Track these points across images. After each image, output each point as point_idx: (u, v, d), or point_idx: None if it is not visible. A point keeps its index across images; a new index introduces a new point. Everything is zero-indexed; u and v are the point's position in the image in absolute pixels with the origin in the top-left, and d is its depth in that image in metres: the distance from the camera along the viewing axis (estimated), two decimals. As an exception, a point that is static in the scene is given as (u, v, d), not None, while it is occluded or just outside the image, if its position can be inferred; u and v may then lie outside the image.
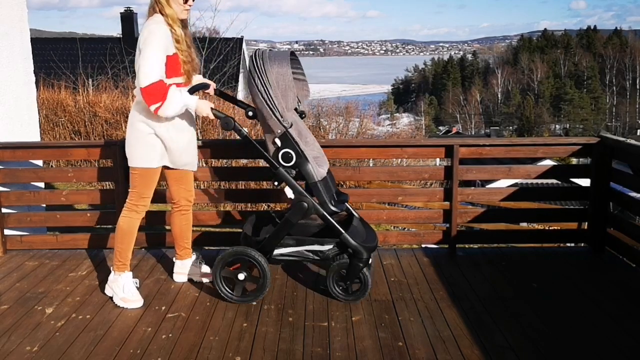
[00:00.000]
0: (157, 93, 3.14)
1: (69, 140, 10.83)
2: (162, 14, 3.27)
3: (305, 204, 3.37)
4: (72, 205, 4.59)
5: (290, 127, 3.28)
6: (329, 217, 3.37)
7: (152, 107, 3.18)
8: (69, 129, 11.47)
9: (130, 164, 3.43)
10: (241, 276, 3.42)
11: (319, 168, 3.38)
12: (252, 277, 3.46)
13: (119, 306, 3.44)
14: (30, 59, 5.08)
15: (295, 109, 3.49)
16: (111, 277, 3.54)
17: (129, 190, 3.49)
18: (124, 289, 3.47)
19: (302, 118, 3.57)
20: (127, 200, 3.48)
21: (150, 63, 3.13)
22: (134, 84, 3.47)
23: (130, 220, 3.47)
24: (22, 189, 4.55)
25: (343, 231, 3.35)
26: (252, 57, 3.31)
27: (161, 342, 3.01)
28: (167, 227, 3.99)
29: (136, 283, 3.56)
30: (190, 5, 3.32)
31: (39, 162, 4.92)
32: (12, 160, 4.48)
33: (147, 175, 3.42)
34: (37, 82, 5.56)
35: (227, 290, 3.46)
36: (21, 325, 3.22)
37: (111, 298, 3.53)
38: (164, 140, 3.38)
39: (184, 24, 3.37)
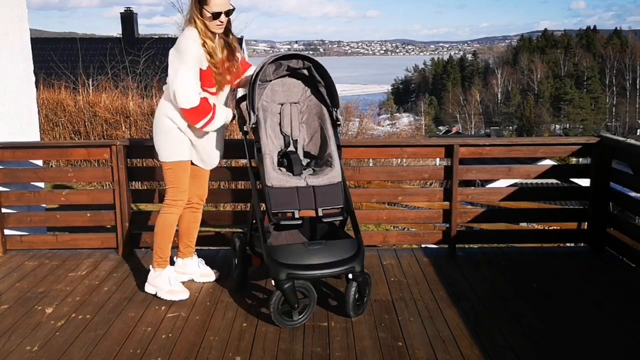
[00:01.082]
0: (201, 112, 3.29)
1: (69, 140, 10.82)
2: (196, 28, 3.31)
3: (251, 202, 3.43)
4: (72, 205, 4.57)
5: (254, 123, 3.29)
6: (259, 224, 3.29)
7: (199, 125, 3.33)
8: (69, 129, 11.47)
9: (161, 159, 3.48)
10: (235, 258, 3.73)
11: (277, 174, 3.22)
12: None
13: (165, 300, 3.49)
14: (30, 59, 5.09)
15: (331, 113, 3.48)
16: (152, 274, 3.59)
17: (165, 188, 3.53)
18: (171, 282, 3.54)
19: (338, 126, 3.51)
20: (165, 197, 3.53)
21: (188, 87, 3.25)
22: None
23: (170, 215, 3.52)
24: (22, 189, 4.55)
25: (266, 242, 3.24)
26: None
27: (161, 342, 3.02)
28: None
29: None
30: (222, 22, 3.32)
31: (39, 162, 4.92)
32: (12, 160, 4.49)
33: (180, 169, 3.47)
34: (37, 82, 5.56)
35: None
36: (21, 325, 3.22)
37: (155, 295, 3.55)
38: (187, 136, 3.44)
39: (226, 32, 3.40)
